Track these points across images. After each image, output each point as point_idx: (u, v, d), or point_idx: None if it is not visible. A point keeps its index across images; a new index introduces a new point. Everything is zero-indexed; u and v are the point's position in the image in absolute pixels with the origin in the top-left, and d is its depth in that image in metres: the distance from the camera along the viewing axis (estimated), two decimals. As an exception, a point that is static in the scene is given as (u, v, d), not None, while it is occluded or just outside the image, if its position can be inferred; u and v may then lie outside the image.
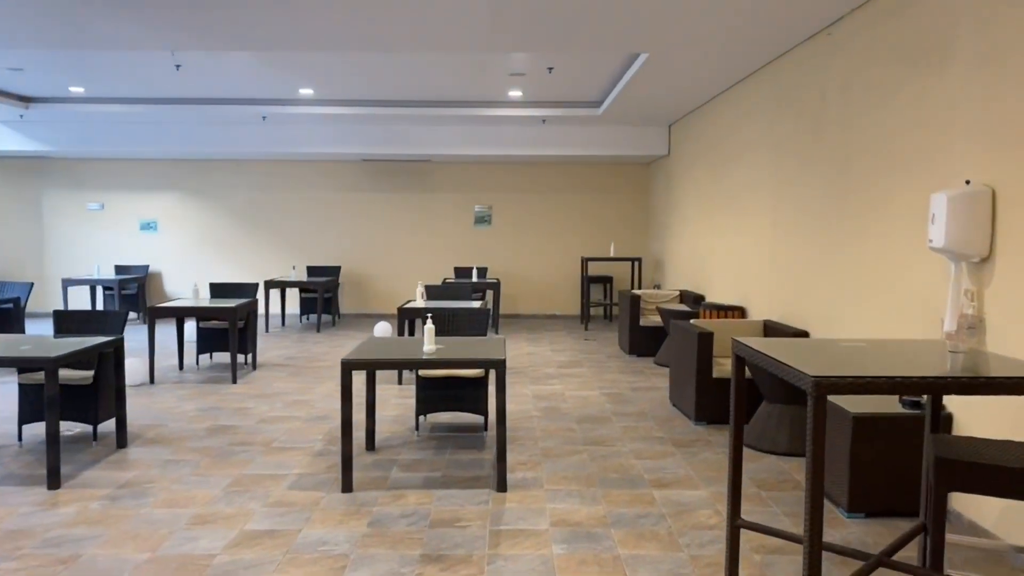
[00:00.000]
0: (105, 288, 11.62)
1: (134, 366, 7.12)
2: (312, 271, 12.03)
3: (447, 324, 5.82)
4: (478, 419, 5.92)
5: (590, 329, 11.27)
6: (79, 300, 12.43)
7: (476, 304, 7.60)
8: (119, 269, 12.18)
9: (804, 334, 5.85)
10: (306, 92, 9.30)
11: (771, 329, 6.24)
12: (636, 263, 12.27)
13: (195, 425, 5.75)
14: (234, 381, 7.30)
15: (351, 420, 4.26)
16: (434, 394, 5.41)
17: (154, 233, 12.46)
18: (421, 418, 5.88)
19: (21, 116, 10.28)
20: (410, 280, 12.53)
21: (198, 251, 12.47)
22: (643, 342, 8.87)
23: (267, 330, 10.87)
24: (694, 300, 8.77)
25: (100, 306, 12.21)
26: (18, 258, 12.36)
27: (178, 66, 7.71)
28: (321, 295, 10.70)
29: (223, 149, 11.05)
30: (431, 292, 8.31)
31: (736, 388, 3.07)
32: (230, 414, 6.08)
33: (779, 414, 5.14)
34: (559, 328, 11.39)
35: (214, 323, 7.99)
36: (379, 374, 7.73)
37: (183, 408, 6.27)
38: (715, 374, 5.80)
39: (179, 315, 7.26)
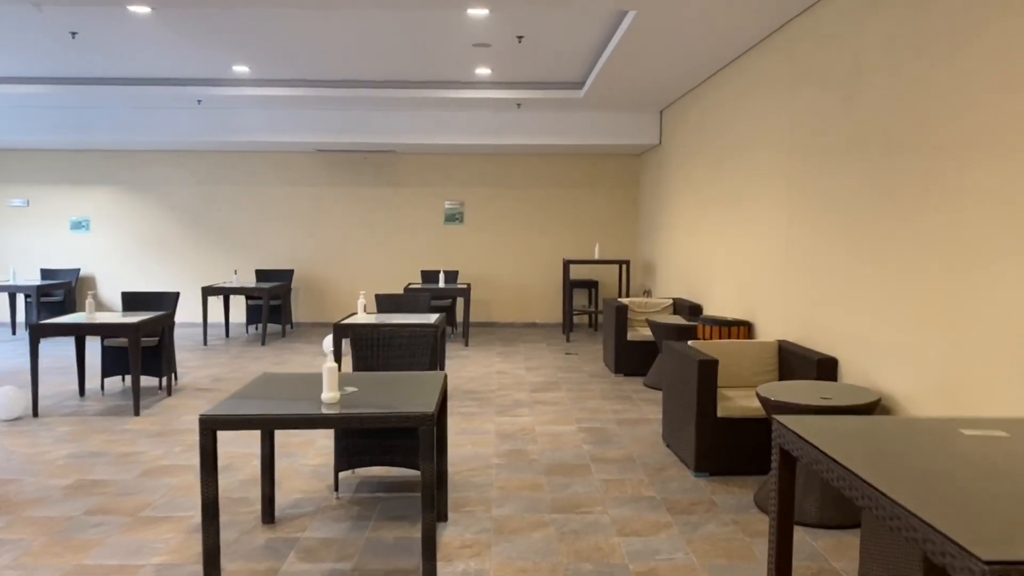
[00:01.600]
0: (27, 295, 10.31)
1: (9, 396, 5.82)
2: (261, 275, 10.75)
3: (379, 352, 4.57)
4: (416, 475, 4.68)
5: (573, 340, 10.04)
6: None
7: (431, 319, 6.36)
8: (45, 273, 10.86)
9: (832, 361, 4.63)
10: (240, 70, 8.02)
11: (788, 353, 5.02)
12: (624, 266, 11.05)
13: (56, 480, 4.48)
14: (136, 413, 6.03)
15: (216, 501, 3.00)
16: (357, 444, 4.16)
17: (86, 233, 11.14)
18: (344, 473, 4.63)
19: (-84, 98, 8.96)
20: (373, 285, 11.26)
21: (135, 253, 11.16)
22: (631, 359, 7.64)
23: (205, 343, 9.58)
24: (690, 311, 7.55)
25: (21, 316, 10.89)
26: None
27: (73, 33, 6.42)
28: (266, 302, 9.42)
29: (159, 138, 9.75)
30: (383, 304, 7.05)
31: (781, 502, 1.84)
32: (109, 463, 4.81)
33: (806, 471, 3.92)
34: (538, 339, 10.16)
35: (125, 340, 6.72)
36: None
37: (52, 455, 4.99)
38: (721, 412, 4.58)
39: (68, 333, 5.97)
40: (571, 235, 11.30)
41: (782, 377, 5.12)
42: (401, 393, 3.37)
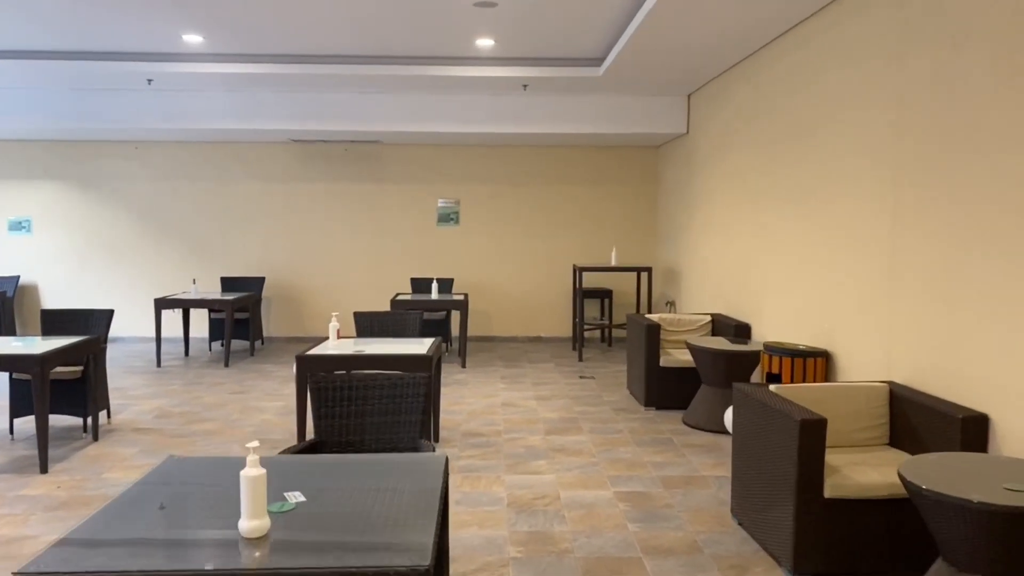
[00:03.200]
0: None
1: None
2: (227, 284, 9.38)
3: (351, 406, 3.23)
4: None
5: (586, 359, 8.73)
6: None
7: (424, 346, 5.04)
8: (-20, 281, 9.47)
9: (980, 420, 3.33)
10: (193, 39, 6.66)
11: (903, 402, 3.71)
12: (644, 274, 9.75)
13: None
14: (42, 470, 4.67)
15: None
16: None
17: (27, 235, 9.74)
18: None
19: None
20: (357, 295, 9.91)
21: (83, 257, 9.77)
22: (665, 389, 6.33)
23: (159, 364, 8.21)
24: (736, 331, 6.25)
25: (-53, 330, 9.48)
26: None
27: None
28: (230, 316, 8.06)
29: (105, 125, 8.36)
30: (363, 325, 5.71)
31: None
32: (-24, 560, 3.46)
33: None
34: (545, 357, 8.83)
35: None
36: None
37: (-98, 544, 3.63)
38: (830, 491, 3.27)
39: (-48, 368, 4.61)
40: (581, 238, 9.99)
41: (895, 435, 3.82)
42: (376, 514, 2.04)
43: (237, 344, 9.50)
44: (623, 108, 8.54)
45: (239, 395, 6.84)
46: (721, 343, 5.84)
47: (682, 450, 5.20)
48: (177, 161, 9.73)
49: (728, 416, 4.75)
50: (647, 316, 6.77)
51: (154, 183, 9.73)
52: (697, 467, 4.84)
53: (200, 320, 9.76)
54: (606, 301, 9.92)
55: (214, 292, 8.86)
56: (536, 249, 9.95)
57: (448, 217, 9.89)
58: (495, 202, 9.90)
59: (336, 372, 4.51)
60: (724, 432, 5.58)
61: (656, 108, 8.51)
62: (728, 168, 7.03)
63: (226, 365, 8.19)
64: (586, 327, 9.14)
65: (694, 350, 5.72)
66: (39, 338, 5.26)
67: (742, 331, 6.26)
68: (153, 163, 9.73)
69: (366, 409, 3.24)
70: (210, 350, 9.16)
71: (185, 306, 8.13)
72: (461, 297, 8.26)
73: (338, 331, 5.13)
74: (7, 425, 5.70)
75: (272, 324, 9.91)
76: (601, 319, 9.89)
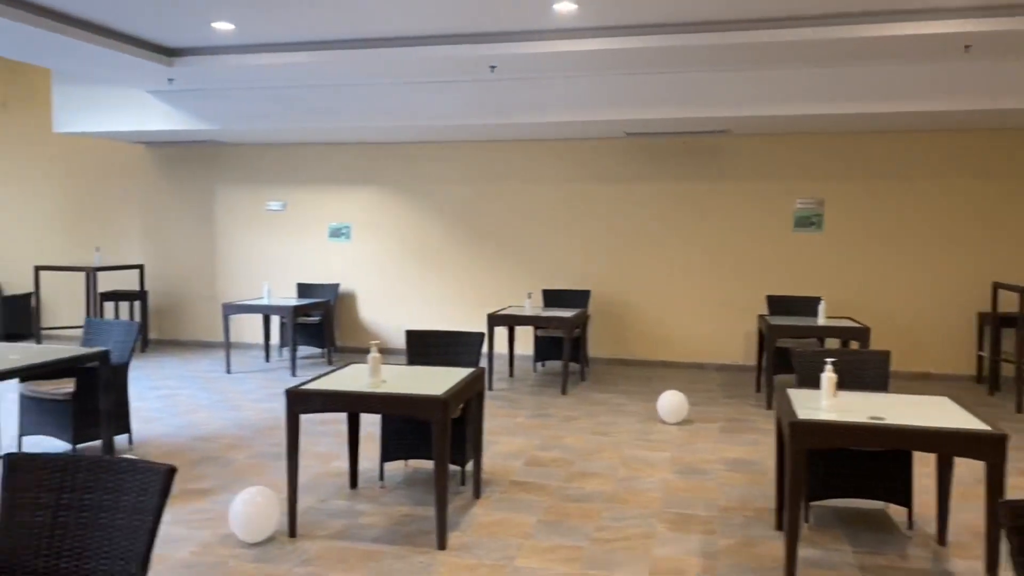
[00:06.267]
0: (281, 317, 8.72)
1: (259, 505, 3.66)
2: (550, 297, 8.34)
3: None
4: None
5: (1001, 401, 6.55)
6: (247, 331, 9.60)
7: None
8: (302, 289, 9.27)
9: None
10: (565, 7, 5.56)
11: None
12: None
13: None
14: (440, 546, 3.66)
15: None
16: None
17: (346, 242, 9.44)
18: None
19: (170, 81, 7.51)
20: (695, 314, 8.45)
21: (398, 265, 9.27)
22: None
23: (490, 388, 7.30)
24: None
25: (276, 340, 9.37)
26: (182, 276, 9.85)
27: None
28: (569, 336, 6.96)
29: (428, 122, 7.64)
30: (806, 366, 4.20)
31: None
32: None
33: None
34: (939, 390, 6.78)
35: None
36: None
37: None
38: None
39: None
40: (991, 247, 7.75)
41: None
42: None
43: (556, 365, 8.44)
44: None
45: (603, 437, 5.63)
46: None
47: None
48: (498, 160, 8.91)
49: None
50: None
51: (475, 185, 8.97)
52: None
53: (524, 337, 8.78)
54: (1024, 330, 7.60)
55: (538, 308, 7.83)
56: (929, 260, 7.87)
57: (809, 220, 8.12)
58: (871, 202, 7.97)
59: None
60: None
61: None
62: None
63: (563, 393, 7.10)
64: (1003, 361, 6.94)
65: None
66: (405, 367, 4.34)
67: None
68: (474, 162, 8.99)
69: None
70: (535, 371, 8.17)
71: (517, 323, 7.17)
72: (857, 324, 6.48)
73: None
74: (376, 471, 4.87)
75: (594, 344, 8.74)
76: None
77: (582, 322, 7.58)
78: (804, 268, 8.17)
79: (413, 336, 4.89)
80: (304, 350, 9.36)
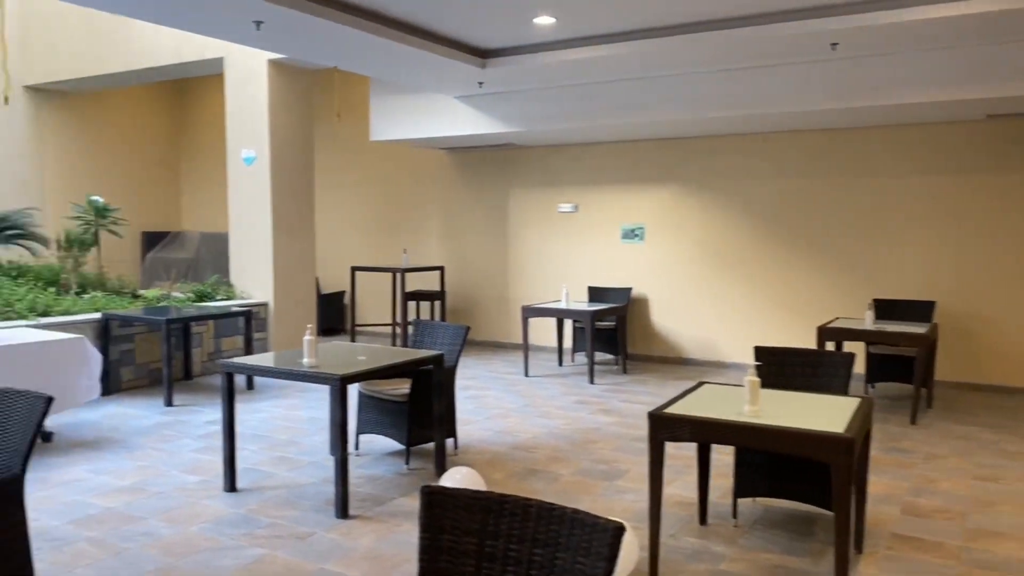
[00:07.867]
0: (575, 322, 8.48)
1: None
2: (883, 308, 7.21)
3: None
4: None
5: None
6: (538, 333, 9.41)
7: None
8: (592, 293, 8.98)
9: None
10: (952, -38, 4.57)
11: None
12: None
13: None
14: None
15: None
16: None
17: (639, 243, 8.99)
18: None
19: (480, 84, 7.55)
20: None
21: (696, 271, 8.63)
22: None
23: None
24: None
25: (569, 344, 9.17)
26: (475, 277, 10.02)
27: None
28: (922, 355, 5.87)
29: (746, 112, 6.92)
30: None
31: None
32: None
33: None
34: None
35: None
36: None
37: None
38: None
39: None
40: None
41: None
42: None
43: (889, 388, 7.28)
44: None
45: (992, 484, 4.56)
46: None
47: None
48: (811, 152, 7.94)
49: None
50: None
51: (789, 179, 8.08)
52: None
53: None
54: None
55: (872, 321, 6.75)
56: None
57: None
58: None
59: None
60: None
61: None
62: None
63: (912, 422, 6.02)
64: None
65: None
66: (771, 391, 3.69)
67: None
68: (778, 156, 8.10)
69: None
70: (865, 393, 7.12)
71: (855, 338, 6.21)
72: None
73: None
74: (720, 504, 4.30)
75: (942, 365, 7.43)
76: None
77: (933, 339, 6.40)
78: None
79: (764, 353, 4.24)
80: (595, 356, 9.05)
